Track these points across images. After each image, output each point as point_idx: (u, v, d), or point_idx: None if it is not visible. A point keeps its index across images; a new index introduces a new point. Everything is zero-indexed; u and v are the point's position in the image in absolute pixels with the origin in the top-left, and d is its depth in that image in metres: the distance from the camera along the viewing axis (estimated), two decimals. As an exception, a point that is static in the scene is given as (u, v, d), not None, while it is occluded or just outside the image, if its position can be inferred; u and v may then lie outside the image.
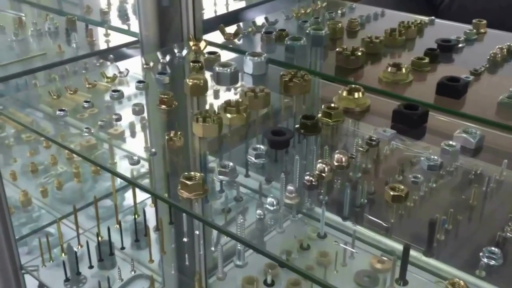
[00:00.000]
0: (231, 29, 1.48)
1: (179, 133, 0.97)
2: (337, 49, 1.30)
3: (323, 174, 0.87)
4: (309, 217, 0.86)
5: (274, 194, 0.87)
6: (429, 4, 2.72)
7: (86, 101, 1.10)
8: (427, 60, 1.27)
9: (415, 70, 1.25)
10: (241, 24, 1.51)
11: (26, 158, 1.71)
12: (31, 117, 1.16)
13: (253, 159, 0.92)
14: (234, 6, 1.76)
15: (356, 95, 1.11)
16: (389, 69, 1.22)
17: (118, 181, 1.51)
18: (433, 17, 1.57)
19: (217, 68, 1.20)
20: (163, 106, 1.10)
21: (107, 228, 1.32)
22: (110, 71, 1.26)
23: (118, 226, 1.38)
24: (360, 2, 2.53)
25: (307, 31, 1.42)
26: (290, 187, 0.82)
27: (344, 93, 1.12)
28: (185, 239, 1.36)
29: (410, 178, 0.87)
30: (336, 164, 0.90)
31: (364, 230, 0.82)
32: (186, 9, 1.43)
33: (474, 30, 1.47)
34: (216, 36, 1.47)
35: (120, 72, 1.23)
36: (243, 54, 1.38)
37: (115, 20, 1.63)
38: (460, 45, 1.40)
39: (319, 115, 1.07)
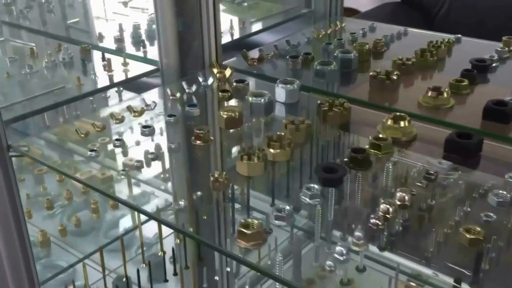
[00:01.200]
0: (252, 54, 1.42)
1: (224, 173, 0.90)
2: (371, 73, 1.25)
3: (388, 216, 0.81)
4: (376, 262, 0.79)
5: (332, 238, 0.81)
6: (425, 15, 2.69)
7: (117, 139, 1.04)
8: (466, 82, 1.22)
9: (454, 93, 1.19)
10: (262, 48, 1.44)
11: (39, 192, 1.63)
12: (56, 156, 1.09)
13: (308, 199, 0.86)
14: (246, 30, 1.70)
15: (402, 123, 1.06)
16: (430, 93, 1.17)
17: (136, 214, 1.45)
18: (459, 35, 1.52)
19: (250, 98, 1.14)
20: (199, 142, 1.04)
21: (136, 270, 1.25)
22: (136, 103, 1.19)
23: (144, 265, 1.31)
24: (356, 16, 2.51)
25: (335, 54, 1.37)
26: (357, 233, 0.76)
27: (389, 122, 1.06)
28: (216, 278, 1.29)
29: (482, 217, 0.81)
30: (398, 203, 0.83)
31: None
32: (208, 34, 1.37)
33: (506, 48, 1.42)
34: (236, 62, 1.42)
35: (147, 105, 1.16)
36: (269, 80, 1.33)
37: (129, 47, 1.57)
38: (494, 64, 1.35)
39: (367, 146, 1.01)
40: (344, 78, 1.33)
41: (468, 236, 0.76)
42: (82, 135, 1.06)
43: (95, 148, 1.01)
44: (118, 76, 1.38)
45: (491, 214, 0.81)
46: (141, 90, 1.43)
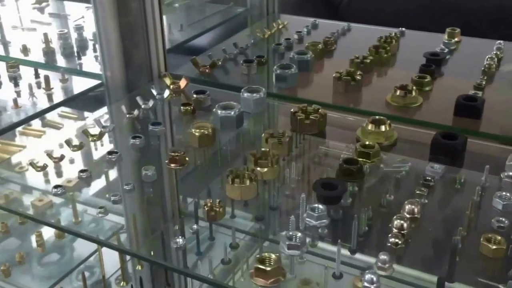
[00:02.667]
0: (200, 60, 1.33)
1: (218, 201, 0.82)
2: (334, 75, 1.21)
3: (403, 232, 0.77)
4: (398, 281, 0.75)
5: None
6: (328, 4, 2.71)
7: (82, 170, 0.92)
8: (429, 78, 1.21)
9: (419, 89, 1.18)
10: (211, 53, 1.36)
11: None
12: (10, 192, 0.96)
13: (314, 221, 0.80)
14: (185, 35, 1.60)
15: (383, 128, 1.02)
16: (398, 92, 1.15)
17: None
18: (403, 29, 1.52)
19: (219, 112, 1.06)
20: (173, 165, 0.95)
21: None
22: (88, 125, 1.08)
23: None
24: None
25: (291, 56, 1.31)
26: (383, 256, 0.71)
27: (369, 127, 1.03)
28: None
29: (494, 224, 0.79)
30: (408, 216, 0.80)
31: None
32: (154, 41, 1.27)
33: (452, 40, 1.44)
34: (186, 70, 1.32)
35: (103, 127, 1.05)
36: (225, 88, 1.25)
37: (60, 60, 1.43)
38: (446, 57, 1.36)
39: (350, 154, 0.96)
40: (305, 82, 1.28)
41: (491, 246, 0.73)
42: (39, 169, 0.93)
43: (59, 184, 0.89)
44: (59, 95, 1.24)
45: (503, 219, 0.79)
46: (83, 107, 1.30)
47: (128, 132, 1.07)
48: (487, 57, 1.30)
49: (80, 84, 1.29)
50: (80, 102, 1.28)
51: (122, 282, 1.27)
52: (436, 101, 1.18)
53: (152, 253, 0.84)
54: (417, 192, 0.87)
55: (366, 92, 1.21)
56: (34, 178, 1.02)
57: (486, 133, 1.06)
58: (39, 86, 1.27)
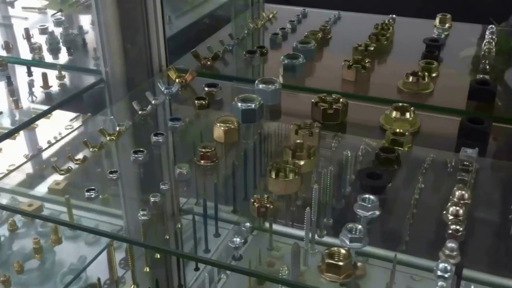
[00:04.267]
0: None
1: (266, 196, 0.80)
2: (343, 63, 1.20)
3: (460, 218, 0.76)
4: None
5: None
6: None
7: (112, 172, 0.87)
8: (436, 64, 1.22)
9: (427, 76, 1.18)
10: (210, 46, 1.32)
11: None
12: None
13: (366, 212, 0.79)
14: (174, 26, 1.55)
15: (407, 115, 1.02)
16: (410, 78, 1.15)
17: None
18: (394, 15, 1.52)
19: (239, 104, 1.02)
20: (203, 162, 0.91)
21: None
22: (101, 124, 1.02)
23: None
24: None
25: (294, 46, 1.29)
26: (450, 244, 0.71)
27: (394, 114, 1.02)
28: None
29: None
30: (461, 202, 0.80)
31: None
32: (156, 34, 1.22)
33: (446, 25, 1.45)
34: (186, 63, 1.28)
35: (119, 125, 1.00)
36: (229, 80, 1.22)
37: (47, 57, 1.35)
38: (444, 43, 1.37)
39: (384, 143, 0.96)
40: (311, 71, 1.26)
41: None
42: (62, 172, 0.88)
43: (92, 187, 0.83)
44: (58, 93, 1.17)
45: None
46: (82, 106, 1.24)
47: (145, 129, 1.02)
48: (485, 41, 1.32)
49: (77, 81, 1.22)
50: (79, 101, 1.22)
51: (132, 285, 1.23)
52: (446, 86, 1.19)
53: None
54: (459, 177, 0.87)
55: (376, 79, 1.21)
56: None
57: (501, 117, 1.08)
58: (33, 85, 1.20)
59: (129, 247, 1.02)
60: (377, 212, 0.79)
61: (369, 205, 0.79)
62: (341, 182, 0.87)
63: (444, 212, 0.78)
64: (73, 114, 1.35)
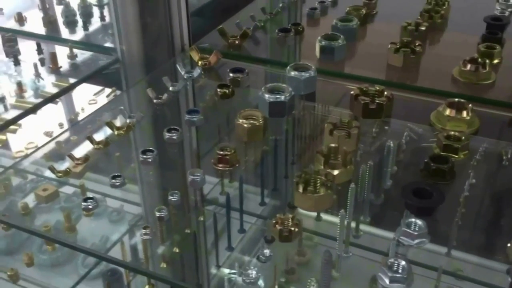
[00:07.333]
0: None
1: (291, 216, 0.67)
2: (389, 46, 1.04)
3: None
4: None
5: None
6: None
7: (115, 176, 0.75)
8: (498, 48, 1.05)
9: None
10: (239, 21, 1.17)
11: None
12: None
13: (411, 241, 0.65)
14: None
15: (464, 113, 0.86)
16: (468, 66, 0.98)
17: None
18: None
19: (267, 96, 0.88)
20: (221, 165, 0.79)
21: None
22: (109, 115, 0.90)
23: None
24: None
25: (334, 24, 1.14)
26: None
27: (447, 112, 0.87)
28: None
29: None
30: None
31: None
32: (178, 10, 1.08)
33: (510, 1, 1.27)
34: (210, 42, 1.14)
35: (129, 117, 0.88)
36: (258, 62, 1.08)
37: (65, 32, 1.24)
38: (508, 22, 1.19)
39: (435, 148, 0.81)
40: (352, 54, 1.10)
41: None
42: (60, 175, 0.76)
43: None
44: (68, 74, 1.06)
45: None
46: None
47: (158, 122, 0.90)
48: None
49: (90, 61, 1.10)
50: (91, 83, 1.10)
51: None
52: (511, 75, 1.02)
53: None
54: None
55: (428, 65, 1.05)
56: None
57: None
58: (43, 64, 1.09)
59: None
60: (426, 241, 0.65)
61: (416, 232, 0.65)
62: (382, 175, 0.74)
63: (509, 245, 0.63)
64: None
